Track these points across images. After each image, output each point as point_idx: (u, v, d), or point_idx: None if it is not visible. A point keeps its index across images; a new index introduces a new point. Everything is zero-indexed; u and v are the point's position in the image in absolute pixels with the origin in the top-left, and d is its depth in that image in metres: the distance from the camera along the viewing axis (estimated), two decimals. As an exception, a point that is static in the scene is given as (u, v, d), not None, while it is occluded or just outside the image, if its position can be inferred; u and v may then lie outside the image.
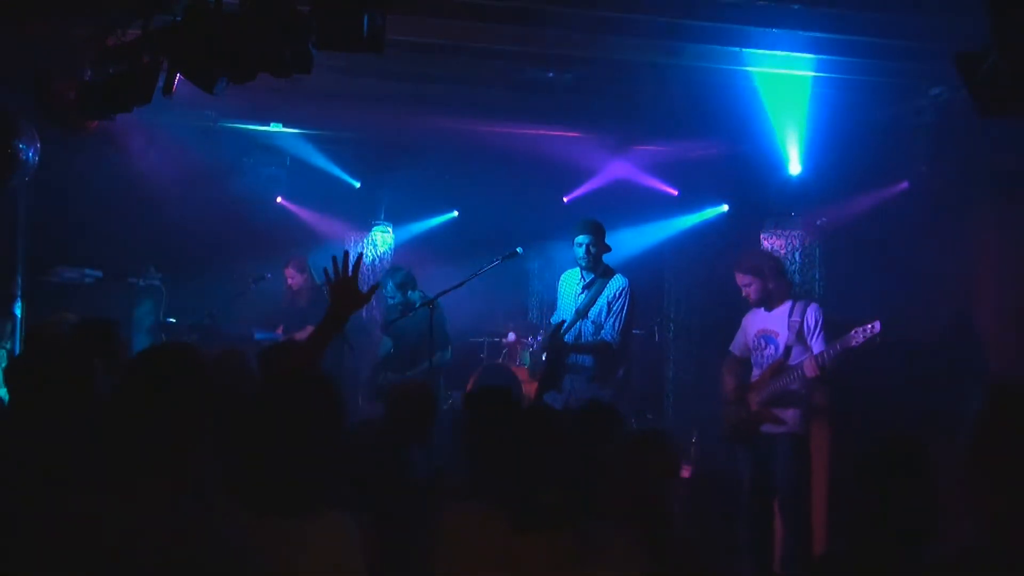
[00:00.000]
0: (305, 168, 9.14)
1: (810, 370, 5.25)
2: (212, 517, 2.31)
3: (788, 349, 5.44)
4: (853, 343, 5.10)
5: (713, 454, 7.89)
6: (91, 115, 5.75)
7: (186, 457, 2.27)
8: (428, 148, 9.40)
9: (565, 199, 10.00)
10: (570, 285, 6.31)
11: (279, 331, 7.90)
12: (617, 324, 6.03)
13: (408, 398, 4.40)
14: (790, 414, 5.41)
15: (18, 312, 7.39)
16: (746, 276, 5.60)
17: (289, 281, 8.10)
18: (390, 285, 7.51)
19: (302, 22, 4.10)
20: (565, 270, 6.52)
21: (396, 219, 9.98)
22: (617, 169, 9.33)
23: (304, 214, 9.61)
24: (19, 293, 7.55)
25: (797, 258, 7.95)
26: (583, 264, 6.12)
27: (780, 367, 5.43)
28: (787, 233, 8.02)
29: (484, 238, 8.66)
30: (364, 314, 9.80)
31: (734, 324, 5.97)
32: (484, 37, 5.68)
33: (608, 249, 6.22)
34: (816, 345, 5.37)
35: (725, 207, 9.19)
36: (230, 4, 4.30)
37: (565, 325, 6.19)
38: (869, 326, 5.06)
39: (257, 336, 7.62)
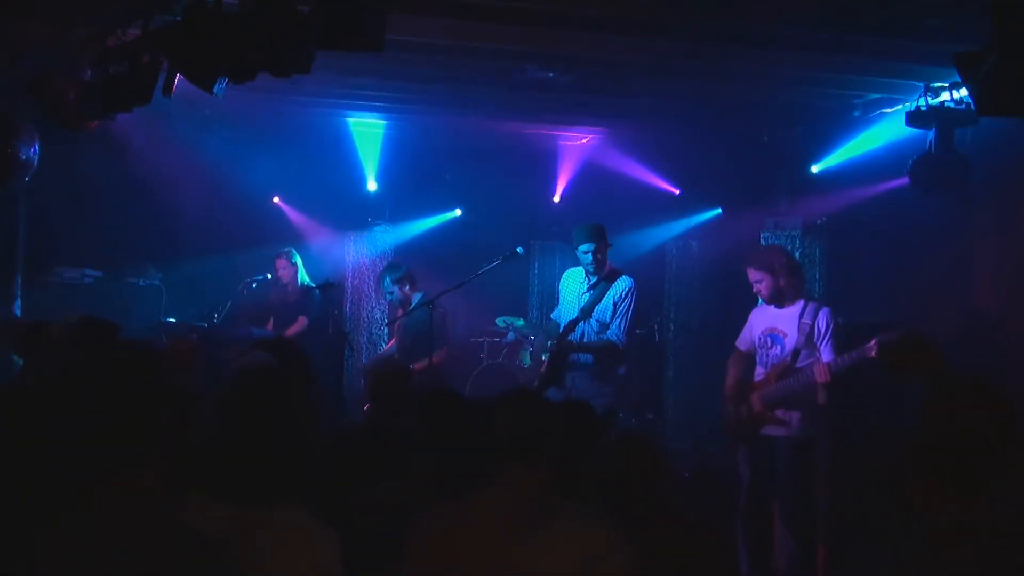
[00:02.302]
0: (306, 167, 9.12)
1: (821, 375, 5.15)
2: (181, 510, 2.34)
3: (796, 352, 5.35)
4: (871, 353, 4.96)
5: (713, 454, 7.89)
6: (91, 115, 5.75)
7: (145, 453, 2.27)
8: (429, 147, 9.42)
9: (557, 199, 9.99)
10: (573, 284, 6.30)
11: (268, 326, 7.88)
12: (623, 324, 6.02)
13: (383, 376, 4.33)
14: (793, 417, 5.34)
15: (18, 312, 7.39)
16: (757, 272, 5.49)
17: (280, 272, 8.09)
18: (387, 281, 7.51)
19: (302, 22, 4.10)
20: (565, 268, 6.51)
21: (397, 218, 9.97)
22: (618, 168, 9.33)
23: (300, 215, 9.59)
24: (19, 293, 7.55)
25: (797, 258, 7.94)
26: (591, 270, 6.11)
27: (787, 369, 5.35)
28: (787, 233, 8.02)
29: (485, 237, 8.66)
30: (364, 314, 9.82)
31: (734, 324, 5.94)
32: (484, 37, 5.67)
33: (610, 246, 6.22)
34: (825, 350, 5.26)
35: (720, 210, 9.21)
36: (230, 4, 4.30)
37: (569, 323, 6.18)
38: (884, 338, 4.89)
39: (256, 334, 7.61)
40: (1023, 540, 2.25)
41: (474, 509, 2.62)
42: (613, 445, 3.29)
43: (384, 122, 9.08)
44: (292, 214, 9.59)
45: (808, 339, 5.30)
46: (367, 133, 9.35)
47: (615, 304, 6.05)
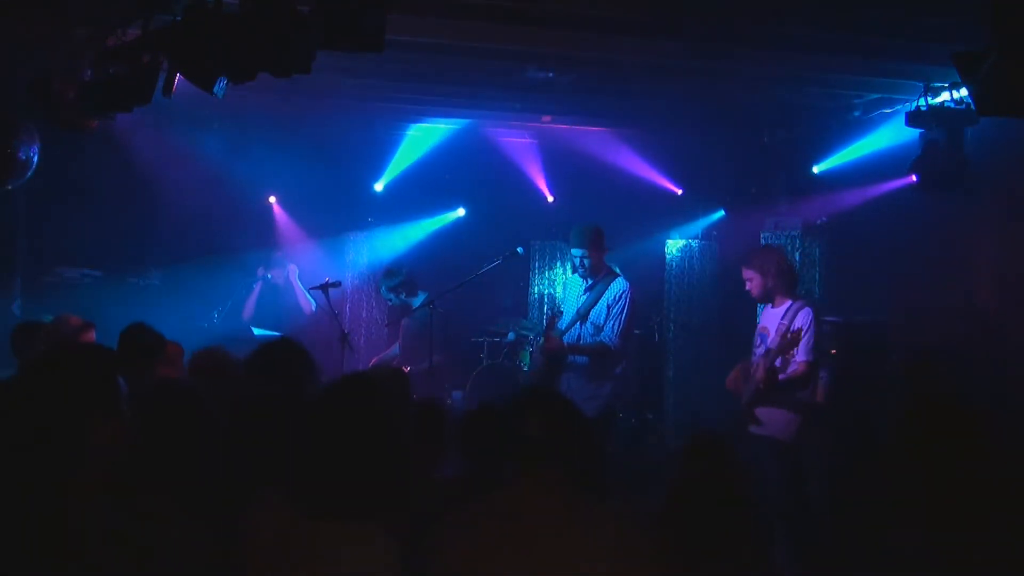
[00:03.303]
0: (308, 167, 9.09)
1: (758, 372, 5.26)
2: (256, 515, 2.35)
3: (768, 351, 5.40)
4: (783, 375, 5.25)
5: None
6: (91, 115, 5.75)
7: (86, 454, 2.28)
8: (429, 147, 9.41)
9: (550, 198, 9.99)
10: (573, 287, 6.34)
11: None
12: (616, 327, 6.03)
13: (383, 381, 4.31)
14: (773, 416, 5.36)
15: (18, 312, 7.39)
16: (748, 271, 5.59)
17: (277, 280, 8.21)
18: (384, 288, 7.51)
19: (302, 22, 4.09)
20: (566, 268, 6.52)
21: (398, 219, 9.95)
22: (618, 168, 9.32)
23: (300, 215, 9.55)
24: (19, 293, 7.55)
25: (797, 258, 7.94)
26: (582, 274, 6.15)
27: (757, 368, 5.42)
28: (787, 233, 8.02)
29: (486, 237, 8.66)
30: (364, 314, 9.81)
31: (734, 324, 5.97)
32: (484, 37, 5.67)
33: (607, 250, 6.22)
34: (799, 351, 5.32)
35: (722, 212, 9.21)
36: (230, 4, 4.30)
37: (564, 326, 6.20)
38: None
39: (256, 333, 7.62)
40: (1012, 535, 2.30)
41: (504, 507, 2.63)
42: (687, 451, 3.22)
43: (447, 126, 9.08)
44: (291, 214, 9.56)
45: (783, 339, 5.33)
46: (390, 136, 9.34)
47: (608, 307, 6.07)
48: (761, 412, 5.37)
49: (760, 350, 5.50)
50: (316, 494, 2.44)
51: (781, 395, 5.32)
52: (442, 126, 9.00)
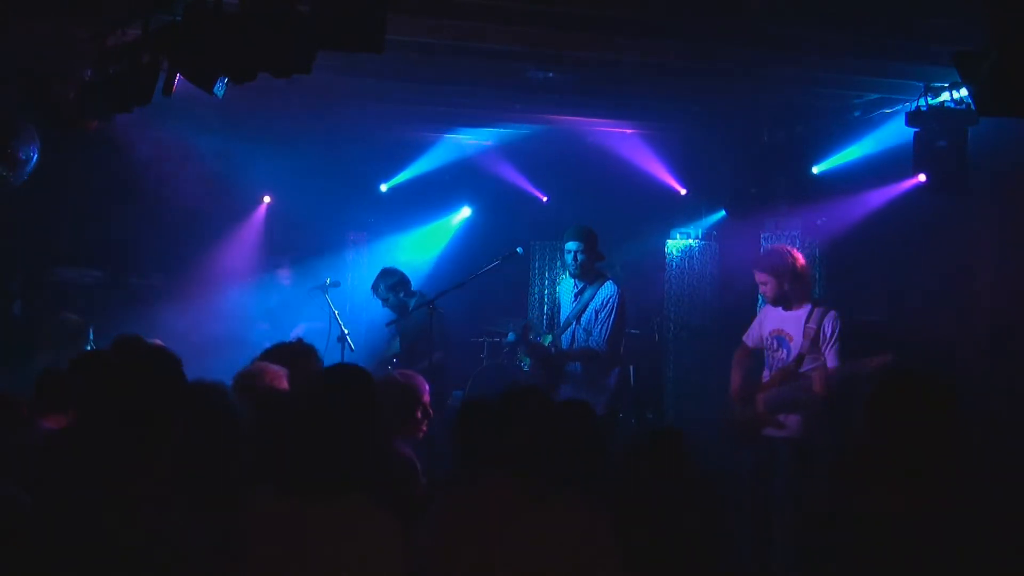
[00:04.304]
0: (310, 166, 9.09)
1: (818, 385, 5.19)
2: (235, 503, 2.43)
3: (800, 356, 5.35)
4: (863, 371, 5.04)
5: (714, 454, 7.89)
6: (91, 115, 5.76)
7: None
8: (428, 148, 9.42)
9: (544, 199, 9.98)
10: (567, 290, 6.34)
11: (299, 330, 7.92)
12: (604, 332, 6.00)
13: (389, 391, 4.34)
14: (793, 420, 5.35)
15: (18, 312, 7.39)
16: (763, 274, 5.49)
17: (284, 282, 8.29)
18: (381, 288, 7.53)
19: (302, 22, 4.10)
20: (566, 269, 6.52)
21: (400, 220, 9.95)
22: (618, 168, 9.32)
23: (301, 215, 9.53)
24: (19, 293, 7.55)
25: (797, 258, 7.93)
26: (571, 271, 6.13)
27: (790, 374, 5.35)
28: (787, 233, 8.02)
29: (487, 237, 8.67)
30: (365, 314, 9.81)
31: (734, 324, 5.94)
32: (484, 37, 5.67)
33: (601, 258, 6.20)
34: (830, 356, 5.27)
35: (724, 212, 9.20)
36: (230, 4, 4.30)
37: (560, 329, 6.21)
38: (881, 360, 4.99)
39: (257, 332, 7.64)
40: (967, 531, 2.41)
41: (479, 495, 2.92)
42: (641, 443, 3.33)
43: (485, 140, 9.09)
44: (289, 215, 9.55)
45: (813, 344, 5.28)
46: (389, 137, 9.34)
47: (596, 312, 6.07)
48: (782, 415, 5.35)
49: (781, 354, 5.44)
50: (300, 476, 2.55)
51: (804, 398, 5.30)
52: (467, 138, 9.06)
